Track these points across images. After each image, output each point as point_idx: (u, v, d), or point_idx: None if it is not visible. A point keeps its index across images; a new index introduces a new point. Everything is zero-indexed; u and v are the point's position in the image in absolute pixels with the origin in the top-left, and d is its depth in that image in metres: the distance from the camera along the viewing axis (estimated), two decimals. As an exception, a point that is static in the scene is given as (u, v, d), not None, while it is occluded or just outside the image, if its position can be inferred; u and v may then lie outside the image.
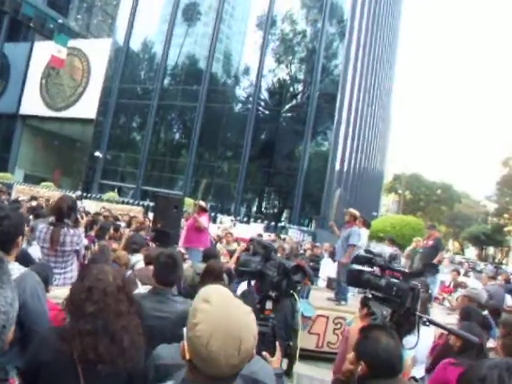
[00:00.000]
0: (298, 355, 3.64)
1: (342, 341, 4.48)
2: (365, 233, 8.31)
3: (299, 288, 2.66)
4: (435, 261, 9.90)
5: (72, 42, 37.43)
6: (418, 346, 2.43)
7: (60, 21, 42.43)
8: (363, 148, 41.19)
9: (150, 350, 2.41)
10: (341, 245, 7.87)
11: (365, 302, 4.31)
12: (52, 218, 4.56)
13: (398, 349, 2.12)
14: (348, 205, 25.65)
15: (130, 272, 4.25)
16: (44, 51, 38.42)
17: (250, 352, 1.24)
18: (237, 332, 1.23)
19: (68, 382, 1.99)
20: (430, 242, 10.69)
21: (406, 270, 2.75)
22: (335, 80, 30.10)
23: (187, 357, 1.28)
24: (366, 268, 2.90)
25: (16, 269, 2.41)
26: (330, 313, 7.01)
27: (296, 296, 2.81)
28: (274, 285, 2.72)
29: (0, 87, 43.14)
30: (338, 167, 30.38)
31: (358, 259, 2.93)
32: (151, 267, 4.00)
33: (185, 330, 1.31)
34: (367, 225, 8.87)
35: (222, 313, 1.26)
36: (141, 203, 25.06)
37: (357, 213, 7.97)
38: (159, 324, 2.90)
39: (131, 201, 27.02)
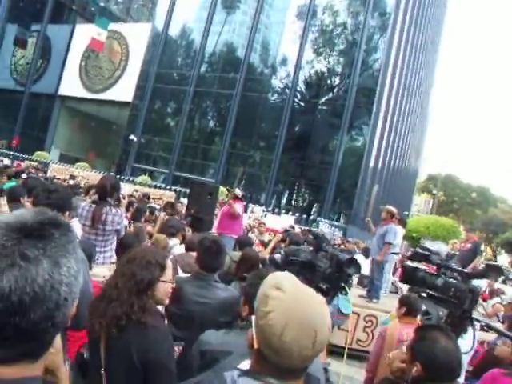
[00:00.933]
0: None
1: (378, 339, 4.31)
2: (401, 231, 8.06)
3: (350, 281, 2.51)
4: (472, 265, 9.58)
5: (112, 26, 37.89)
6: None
7: (101, 4, 42.90)
8: (398, 145, 40.43)
9: (190, 335, 2.50)
10: (376, 242, 7.72)
11: (404, 301, 4.15)
12: (94, 197, 4.52)
13: (457, 352, 1.97)
14: (381, 202, 25.29)
15: (170, 256, 4.14)
16: (85, 34, 38.99)
17: (323, 344, 1.17)
18: (312, 322, 1.15)
19: None
20: (468, 245, 10.35)
21: (466, 271, 2.58)
22: (374, 74, 29.53)
23: (255, 346, 1.20)
24: (420, 266, 2.76)
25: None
26: (361, 310, 6.86)
27: (347, 290, 2.68)
28: (325, 277, 2.67)
29: (41, 68, 44.01)
30: (372, 163, 29.88)
31: (415, 256, 2.76)
32: (192, 253, 3.90)
33: (253, 317, 1.24)
34: (403, 223, 8.63)
35: (297, 301, 1.18)
36: (172, 188, 25.20)
37: (394, 210, 7.79)
38: (199, 309, 2.91)
39: (163, 185, 27.21)
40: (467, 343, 2.52)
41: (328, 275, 2.64)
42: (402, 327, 3.85)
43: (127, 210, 7.53)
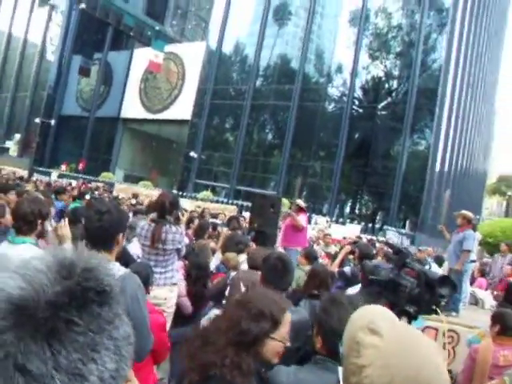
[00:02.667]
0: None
1: (468, 361, 3.89)
2: (477, 238, 7.52)
3: (443, 303, 2.14)
4: None
5: (168, 47, 39.10)
6: None
7: (157, 28, 44.15)
8: (465, 146, 38.72)
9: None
10: (453, 250, 7.22)
11: (499, 318, 3.72)
12: (153, 215, 4.42)
13: None
14: (450, 207, 24.18)
15: (233, 273, 3.96)
16: (142, 57, 40.58)
17: None
18: (425, 379, 0.85)
19: None
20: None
21: None
22: (435, 74, 28.49)
23: None
24: None
25: (116, 269, 2.29)
26: (439, 325, 6.33)
27: (440, 313, 2.31)
28: (413, 298, 2.30)
29: (104, 93, 46.07)
30: (438, 167, 28.72)
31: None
32: (256, 272, 3.68)
33: (340, 370, 1.03)
34: (474, 229, 8.05)
35: (402, 351, 0.88)
36: (235, 202, 25.31)
37: (470, 215, 7.29)
38: None
39: (225, 200, 27.43)
40: None
41: (416, 296, 2.27)
42: (496, 349, 3.43)
43: (187, 226, 7.45)
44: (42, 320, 0.55)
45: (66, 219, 3.12)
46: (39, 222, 3.07)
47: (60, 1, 46.78)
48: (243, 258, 4.99)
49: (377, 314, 1.00)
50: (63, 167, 39.76)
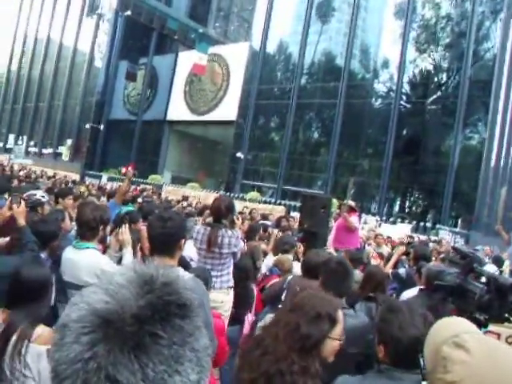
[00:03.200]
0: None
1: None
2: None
3: None
4: None
5: (212, 49, 39.46)
6: None
7: (200, 30, 44.63)
8: (523, 140, 37.06)
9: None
10: None
11: None
12: (209, 219, 4.63)
13: None
14: (506, 205, 23.14)
15: (290, 277, 3.88)
16: (187, 60, 41.20)
17: None
18: None
19: None
20: None
21: None
22: (488, 65, 27.35)
23: None
24: None
25: (180, 274, 2.19)
26: (501, 329, 5.89)
27: None
28: (482, 305, 2.12)
29: (150, 97, 47.11)
30: (493, 162, 27.55)
31: None
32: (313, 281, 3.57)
33: None
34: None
35: (495, 370, 0.82)
36: (283, 203, 25.21)
37: None
38: None
39: (272, 200, 27.38)
40: None
41: (486, 303, 2.11)
42: None
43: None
44: (130, 333, 0.57)
45: (127, 225, 3.40)
46: (101, 227, 3.31)
47: (107, 9, 48.17)
48: (289, 257, 5.11)
49: (461, 328, 0.94)
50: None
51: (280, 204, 23.99)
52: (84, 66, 51.26)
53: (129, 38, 49.23)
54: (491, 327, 6.00)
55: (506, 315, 2.17)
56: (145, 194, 18.32)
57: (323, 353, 1.85)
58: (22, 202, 3.49)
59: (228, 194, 28.47)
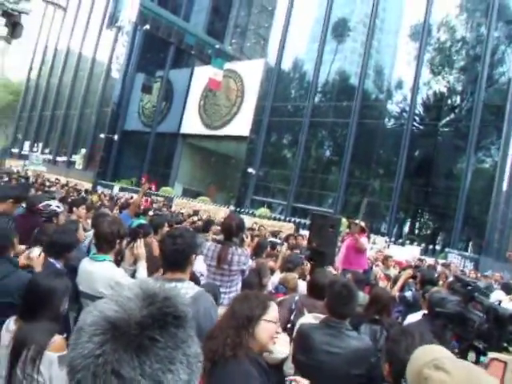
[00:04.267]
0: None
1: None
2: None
3: None
4: None
5: (227, 65, 39.97)
6: None
7: (217, 46, 45.29)
8: (535, 165, 36.81)
9: None
10: None
11: None
12: (220, 236, 4.72)
13: None
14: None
15: (296, 297, 3.97)
16: (202, 75, 41.65)
17: None
18: None
19: None
20: None
21: None
22: (502, 89, 27.34)
23: None
24: None
25: (190, 287, 2.60)
26: (508, 358, 5.88)
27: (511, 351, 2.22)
28: (481, 334, 2.23)
29: (164, 109, 47.61)
30: (505, 186, 27.38)
31: None
32: (318, 301, 3.64)
33: None
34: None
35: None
36: (292, 220, 25.22)
37: None
38: (329, 360, 2.72)
39: (282, 217, 27.37)
40: None
41: (485, 332, 2.21)
42: None
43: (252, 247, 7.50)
44: (133, 336, 0.69)
45: (142, 240, 3.52)
46: (118, 241, 3.45)
47: (126, 22, 49.03)
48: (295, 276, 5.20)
49: (439, 353, 1.09)
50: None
51: (289, 221, 24.01)
52: (101, 77, 52.09)
53: (146, 51, 50.05)
54: (497, 355, 6.02)
55: (505, 345, 2.26)
56: (155, 206, 18.50)
57: (260, 334, 2.11)
58: (42, 254, 3.46)
59: (238, 209, 28.57)
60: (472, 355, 2.21)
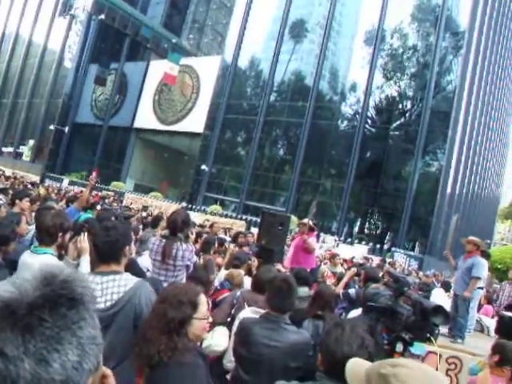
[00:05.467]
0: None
1: (466, 392, 3.82)
2: (486, 264, 7.46)
3: (437, 332, 2.15)
4: None
5: (184, 60, 39.53)
6: None
7: (174, 40, 44.88)
8: (477, 170, 38.56)
9: (258, 380, 2.50)
10: (461, 276, 7.23)
11: (498, 350, 3.67)
12: (165, 232, 4.61)
13: None
14: (460, 231, 23.94)
15: (238, 293, 4.01)
16: (158, 69, 41.01)
17: None
18: None
19: None
20: None
21: None
22: (449, 97, 28.48)
23: None
24: None
25: (129, 279, 2.56)
26: (443, 350, 6.20)
27: (434, 341, 2.37)
28: (408, 326, 2.38)
29: (118, 102, 46.70)
30: (449, 189, 28.57)
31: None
32: (260, 295, 3.69)
33: None
34: (486, 255, 7.97)
35: (427, 375, 1.04)
36: (244, 217, 25.27)
37: (479, 241, 7.31)
38: (269, 353, 2.78)
39: (234, 214, 27.39)
40: None
41: (411, 324, 2.38)
42: (494, 380, 3.39)
43: (195, 242, 7.49)
44: (21, 316, 0.70)
45: (86, 233, 3.44)
46: (60, 234, 3.38)
47: (80, 11, 47.61)
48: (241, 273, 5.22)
49: (392, 359, 1.15)
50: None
51: (241, 219, 24.07)
52: (53, 66, 50.11)
53: (101, 41, 48.67)
54: (432, 349, 6.34)
55: (428, 335, 2.40)
56: (106, 201, 18.16)
57: (194, 331, 2.16)
58: None
59: (190, 206, 28.39)
60: (400, 346, 2.32)
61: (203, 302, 2.25)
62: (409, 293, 2.68)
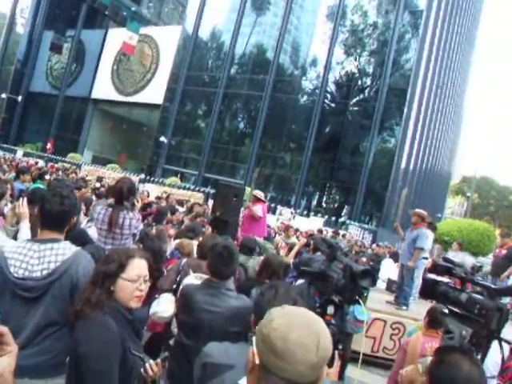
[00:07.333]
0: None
1: (399, 352, 4.11)
2: (431, 236, 7.80)
3: (365, 294, 2.37)
4: (506, 274, 9.18)
5: (143, 29, 38.49)
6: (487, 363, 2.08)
7: (133, 9, 43.41)
8: (431, 146, 39.60)
9: (198, 344, 2.37)
10: (406, 247, 7.47)
11: (429, 312, 3.95)
12: (111, 200, 4.50)
13: (482, 379, 1.70)
14: (412, 205, 24.74)
15: (184, 260, 4.09)
16: (117, 38, 39.85)
17: (327, 351, 1.16)
18: (314, 326, 1.17)
19: None
20: (504, 252, 9.89)
21: (493, 286, 2.37)
22: (406, 74, 28.99)
23: (257, 361, 1.18)
24: (443, 279, 2.56)
25: (67, 248, 2.47)
26: (387, 317, 6.59)
27: (362, 303, 2.52)
28: (338, 289, 2.47)
29: (75, 72, 45.16)
30: (403, 165, 29.33)
31: (436, 268, 2.57)
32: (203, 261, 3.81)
33: (254, 339, 1.23)
34: (433, 228, 8.31)
35: (299, 310, 1.24)
36: (202, 190, 25.27)
37: (424, 213, 7.53)
38: (209, 318, 2.81)
39: (192, 187, 27.34)
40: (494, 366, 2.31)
41: (341, 287, 2.44)
42: (425, 340, 3.64)
43: (142, 210, 7.51)
44: None
45: (25, 198, 3.24)
46: None
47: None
48: (193, 244, 5.12)
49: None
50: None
51: (199, 191, 24.07)
52: (3, 31, 47.82)
53: (56, 6, 46.47)
54: (378, 315, 6.71)
55: (357, 297, 2.60)
56: (60, 173, 17.85)
57: (119, 292, 2.13)
58: None
59: (149, 178, 28.15)
60: (331, 308, 2.38)
61: (135, 266, 2.19)
62: (341, 257, 2.83)
